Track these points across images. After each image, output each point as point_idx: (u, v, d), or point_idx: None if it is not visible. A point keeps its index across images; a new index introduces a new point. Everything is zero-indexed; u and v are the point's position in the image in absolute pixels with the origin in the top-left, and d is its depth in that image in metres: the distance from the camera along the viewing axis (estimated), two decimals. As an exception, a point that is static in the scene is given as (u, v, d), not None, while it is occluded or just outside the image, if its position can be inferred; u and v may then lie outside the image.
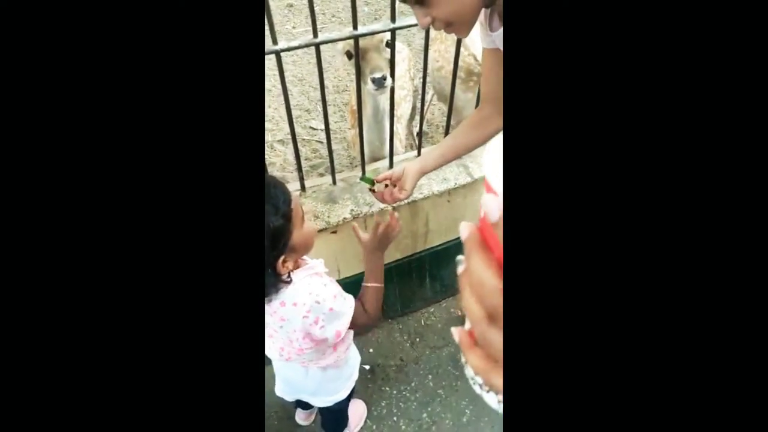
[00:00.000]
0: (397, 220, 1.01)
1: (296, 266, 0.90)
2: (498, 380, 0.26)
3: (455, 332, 0.29)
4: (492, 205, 0.24)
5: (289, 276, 0.86)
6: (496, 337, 0.24)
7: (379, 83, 1.17)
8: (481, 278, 0.25)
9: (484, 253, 0.25)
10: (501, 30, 0.86)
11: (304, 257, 0.96)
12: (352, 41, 1.07)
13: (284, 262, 0.83)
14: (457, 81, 1.63)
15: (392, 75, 1.17)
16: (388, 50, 1.20)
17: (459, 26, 0.76)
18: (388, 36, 1.22)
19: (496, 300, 0.24)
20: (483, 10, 0.79)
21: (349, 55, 1.29)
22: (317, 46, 1.01)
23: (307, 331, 0.90)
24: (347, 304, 0.94)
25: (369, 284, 1.01)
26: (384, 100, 1.32)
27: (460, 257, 0.27)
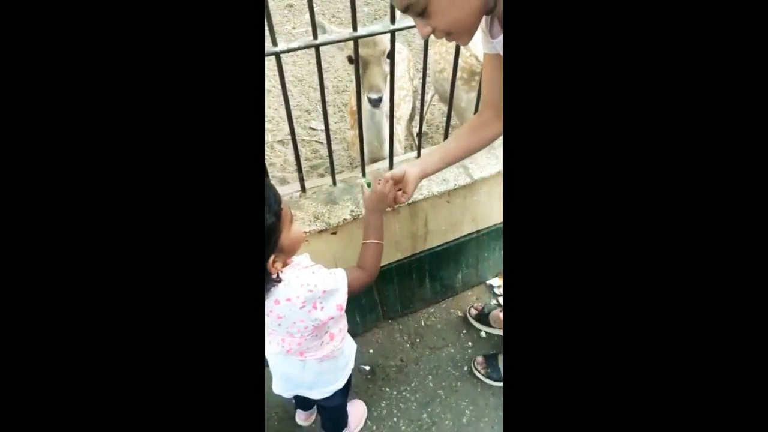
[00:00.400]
0: (390, 186, 1.05)
1: (284, 266, 0.93)
2: None
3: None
4: None
5: (278, 276, 0.88)
6: None
7: (376, 104, 1.27)
8: None
9: None
10: (502, 36, 0.86)
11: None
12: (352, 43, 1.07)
13: (274, 262, 0.85)
14: (460, 82, 1.64)
15: (391, 80, 1.17)
16: (388, 61, 1.22)
17: (459, 35, 0.76)
18: (387, 47, 1.24)
19: None
20: (484, 17, 0.79)
21: (350, 59, 1.31)
22: (317, 47, 1.01)
23: (310, 318, 0.92)
24: (338, 278, 0.96)
25: (367, 241, 1.04)
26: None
27: None
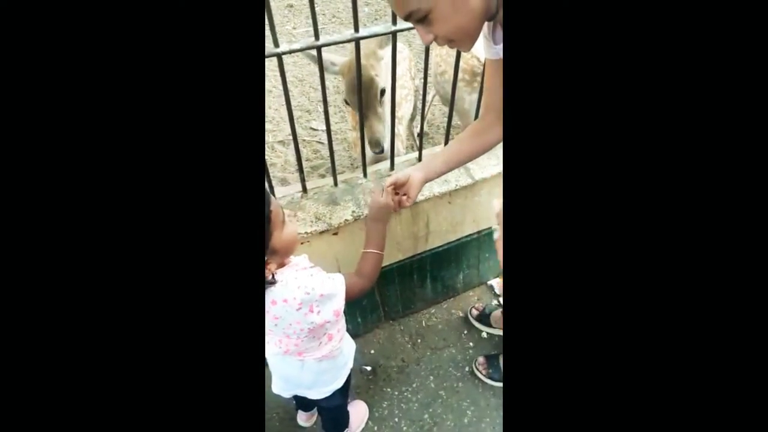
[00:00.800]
0: (392, 195, 1.06)
1: (280, 267, 0.92)
2: None
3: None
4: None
5: (273, 277, 0.88)
6: None
7: (379, 153, 1.38)
8: None
9: None
10: None
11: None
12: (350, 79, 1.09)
13: (266, 263, 0.85)
14: (462, 83, 1.64)
15: (393, 80, 1.17)
16: (385, 99, 1.31)
17: (461, 42, 0.76)
18: (383, 84, 1.33)
19: None
20: (485, 23, 0.79)
21: (346, 102, 1.44)
22: (318, 48, 1.01)
23: (306, 321, 0.92)
24: (337, 283, 0.96)
25: (367, 250, 1.05)
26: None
27: (495, 226, 0.33)
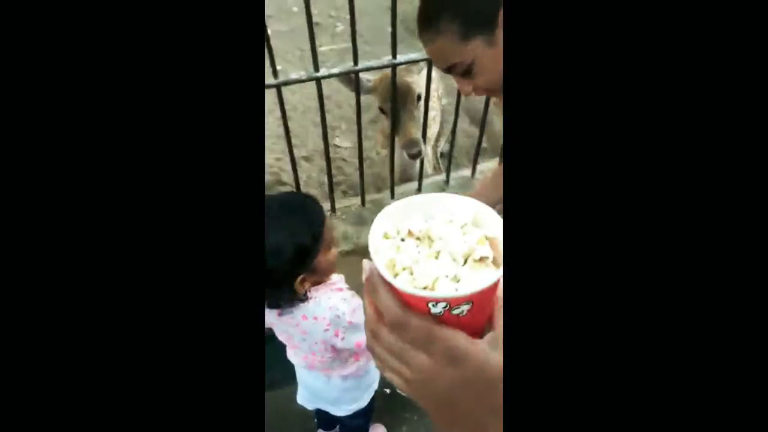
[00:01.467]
0: None
1: (316, 284, 0.92)
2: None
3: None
4: (366, 266, 0.37)
5: (305, 294, 0.88)
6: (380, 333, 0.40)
7: (414, 157, 1.36)
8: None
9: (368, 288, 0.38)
10: None
11: None
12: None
13: (303, 281, 0.85)
14: (495, 107, 1.64)
15: (426, 103, 1.18)
16: (420, 106, 1.30)
17: (499, 91, 0.76)
18: (420, 89, 1.31)
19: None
20: None
21: (381, 110, 1.42)
22: (356, 73, 1.03)
23: (330, 342, 0.93)
24: None
25: None
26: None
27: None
